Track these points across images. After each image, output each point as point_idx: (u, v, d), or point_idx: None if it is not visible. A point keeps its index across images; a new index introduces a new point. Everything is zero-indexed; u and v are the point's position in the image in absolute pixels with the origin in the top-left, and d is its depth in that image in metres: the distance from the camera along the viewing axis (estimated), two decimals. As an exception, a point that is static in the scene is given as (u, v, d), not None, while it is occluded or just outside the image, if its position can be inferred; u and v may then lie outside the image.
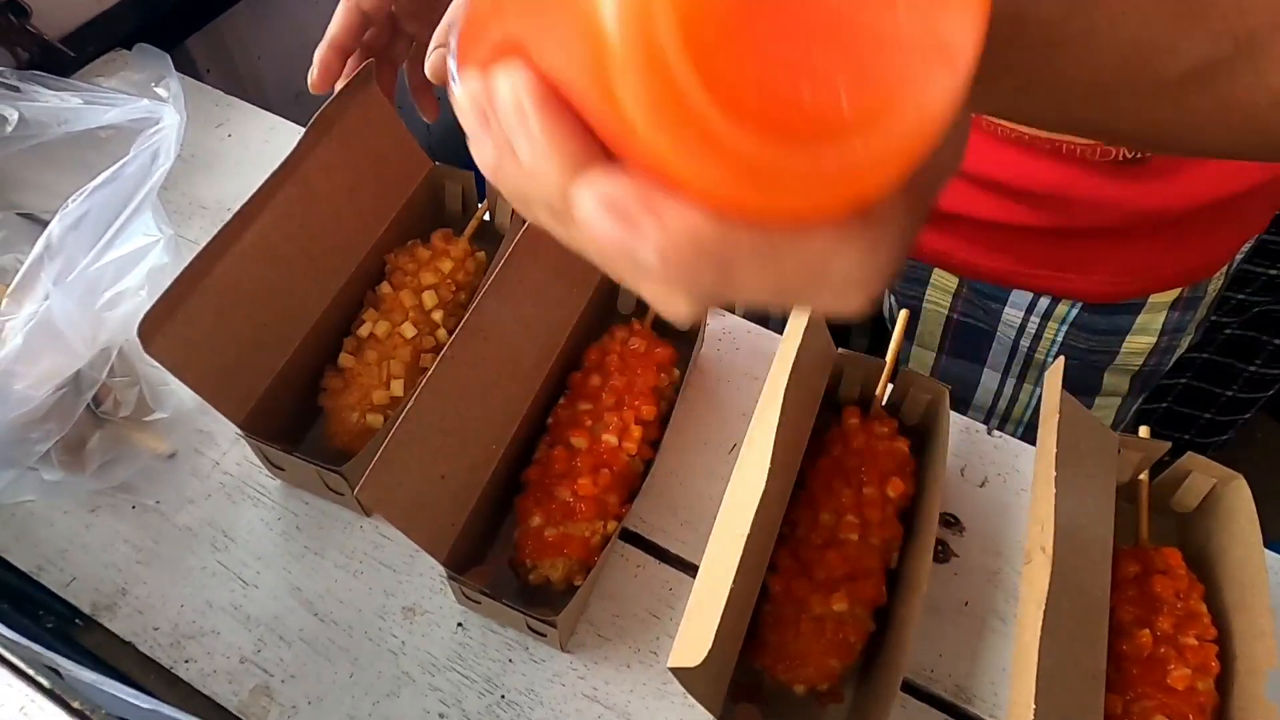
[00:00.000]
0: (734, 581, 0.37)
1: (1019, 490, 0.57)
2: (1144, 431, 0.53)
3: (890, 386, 0.55)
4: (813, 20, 0.14)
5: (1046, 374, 0.46)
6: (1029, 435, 0.54)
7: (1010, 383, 0.70)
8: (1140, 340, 0.64)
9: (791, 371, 0.43)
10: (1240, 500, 0.48)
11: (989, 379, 0.71)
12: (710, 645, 0.35)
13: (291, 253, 0.53)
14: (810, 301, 0.21)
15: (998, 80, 0.24)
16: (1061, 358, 0.46)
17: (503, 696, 0.49)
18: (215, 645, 0.50)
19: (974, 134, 0.56)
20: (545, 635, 0.48)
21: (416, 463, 0.44)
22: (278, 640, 0.50)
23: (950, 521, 0.55)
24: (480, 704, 0.49)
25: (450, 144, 0.66)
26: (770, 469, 0.40)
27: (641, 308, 0.61)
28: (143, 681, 0.49)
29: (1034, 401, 0.69)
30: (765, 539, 0.44)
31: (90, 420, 0.51)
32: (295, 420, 0.56)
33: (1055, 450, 0.42)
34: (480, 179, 0.63)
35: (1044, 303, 0.63)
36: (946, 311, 0.68)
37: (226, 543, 0.54)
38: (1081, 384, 0.67)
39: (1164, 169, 0.55)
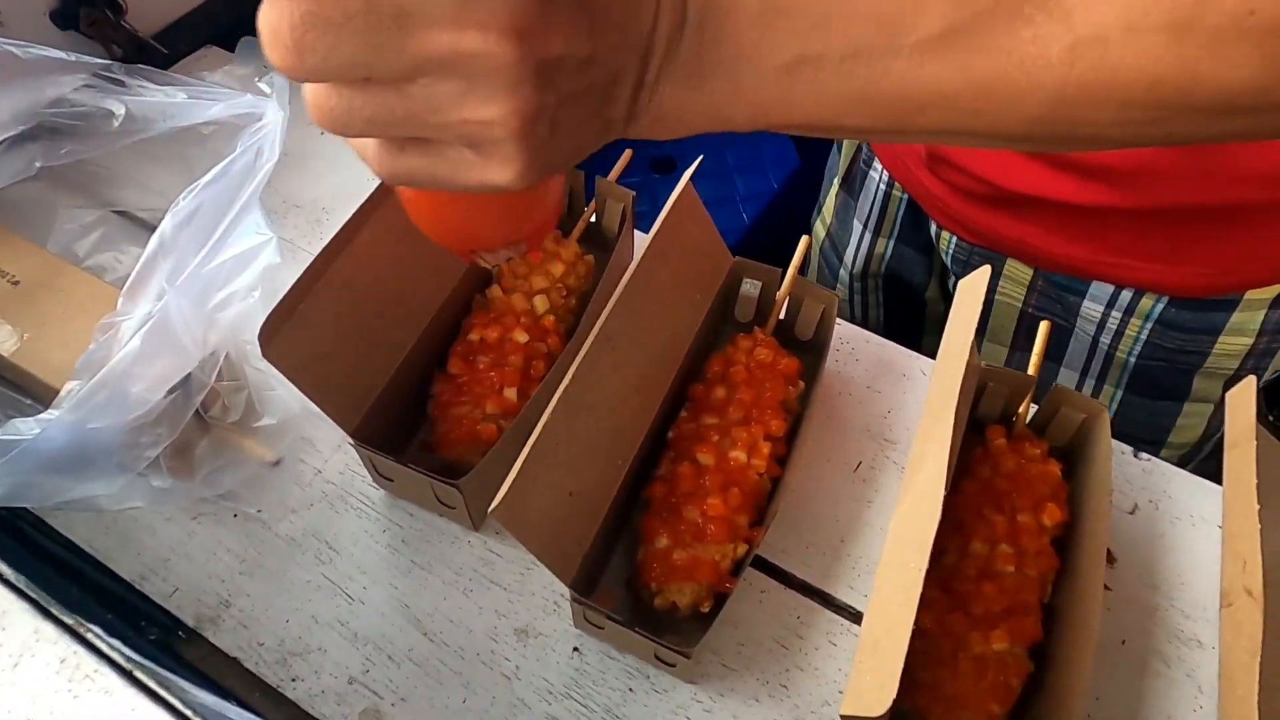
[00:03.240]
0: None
1: (1173, 519, 0.53)
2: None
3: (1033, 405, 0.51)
4: None
5: (1231, 394, 0.42)
6: None
7: (1089, 384, 0.65)
8: (1234, 341, 0.58)
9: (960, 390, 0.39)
10: None
11: (1065, 379, 0.66)
12: (894, 694, 0.31)
13: (404, 254, 0.51)
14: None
15: (761, 58, 0.26)
16: (1252, 376, 0.41)
17: (624, 728, 0.46)
18: (323, 664, 0.48)
19: None
20: (674, 665, 0.45)
21: (547, 479, 0.41)
22: (387, 660, 0.48)
23: (1100, 552, 0.51)
24: (601, 736, 0.46)
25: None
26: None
27: (759, 316, 0.58)
28: (248, 700, 0.47)
29: (1115, 405, 0.64)
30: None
31: (197, 426, 0.50)
32: (400, 428, 0.54)
33: (1255, 481, 0.38)
34: (589, 179, 0.60)
35: (1127, 296, 0.58)
36: (1020, 305, 0.64)
37: (331, 555, 0.52)
38: (1167, 388, 0.62)
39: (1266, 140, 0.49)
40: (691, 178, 0.50)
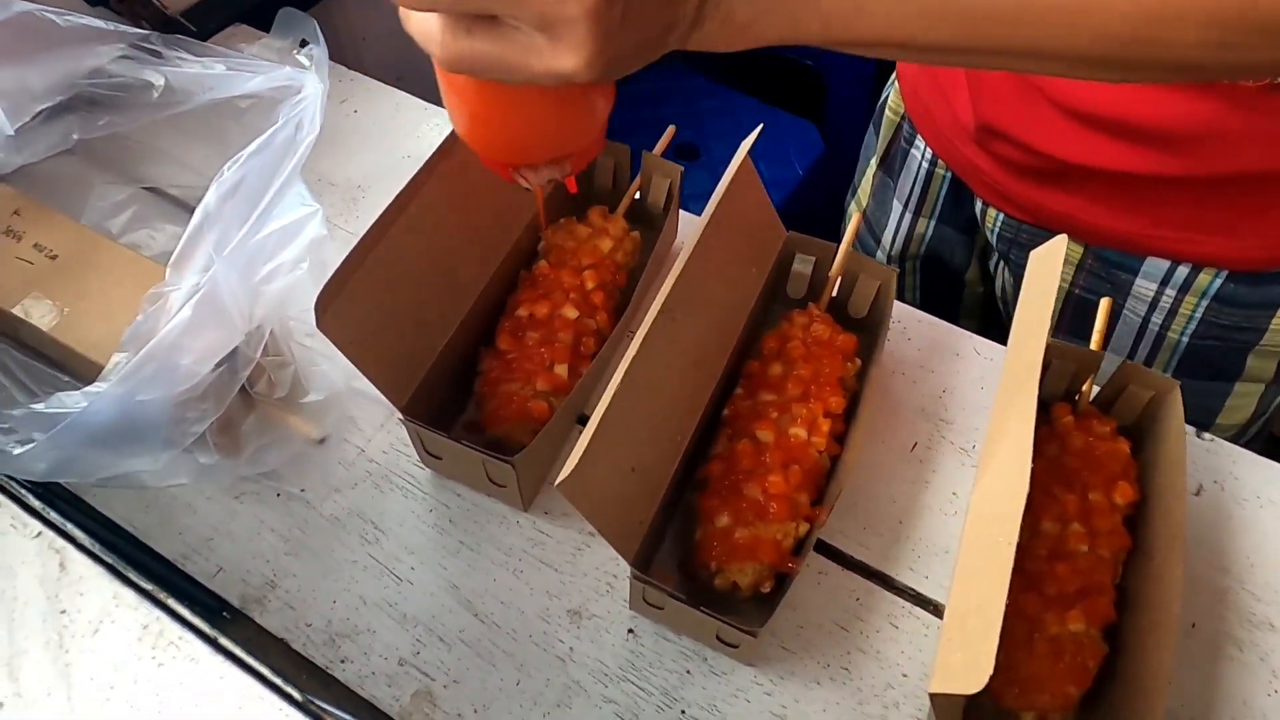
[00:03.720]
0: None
1: (1240, 500, 0.51)
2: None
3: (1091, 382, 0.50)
4: None
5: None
6: None
7: None
8: None
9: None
10: None
11: (1109, 363, 0.64)
12: (990, 670, 0.30)
13: (452, 229, 0.50)
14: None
15: None
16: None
17: (683, 712, 0.45)
18: (372, 645, 0.47)
19: None
20: (736, 646, 0.44)
21: (610, 455, 0.40)
22: (437, 642, 0.47)
23: (1166, 533, 0.50)
24: (659, 719, 0.45)
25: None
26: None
27: (811, 293, 0.57)
28: (295, 680, 0.46)
29: None
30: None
31: (243, 402, 0.48)
32: (444, 405, 0.53)
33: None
34: (635, 154, 0.59)
35: (1182, 272, 0.56)
36: (1068, 286, 0.62)
37: (377, 535, 0.51)
38: (1220, 368, 0.60)
39: None
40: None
